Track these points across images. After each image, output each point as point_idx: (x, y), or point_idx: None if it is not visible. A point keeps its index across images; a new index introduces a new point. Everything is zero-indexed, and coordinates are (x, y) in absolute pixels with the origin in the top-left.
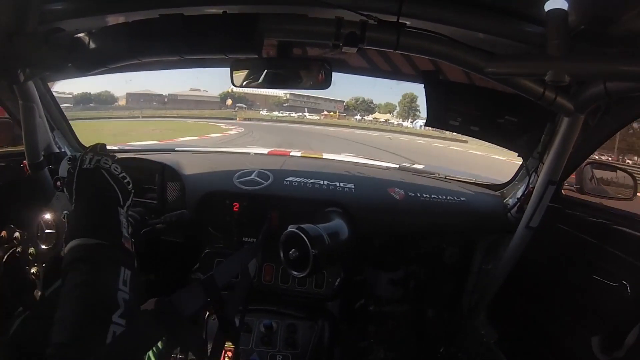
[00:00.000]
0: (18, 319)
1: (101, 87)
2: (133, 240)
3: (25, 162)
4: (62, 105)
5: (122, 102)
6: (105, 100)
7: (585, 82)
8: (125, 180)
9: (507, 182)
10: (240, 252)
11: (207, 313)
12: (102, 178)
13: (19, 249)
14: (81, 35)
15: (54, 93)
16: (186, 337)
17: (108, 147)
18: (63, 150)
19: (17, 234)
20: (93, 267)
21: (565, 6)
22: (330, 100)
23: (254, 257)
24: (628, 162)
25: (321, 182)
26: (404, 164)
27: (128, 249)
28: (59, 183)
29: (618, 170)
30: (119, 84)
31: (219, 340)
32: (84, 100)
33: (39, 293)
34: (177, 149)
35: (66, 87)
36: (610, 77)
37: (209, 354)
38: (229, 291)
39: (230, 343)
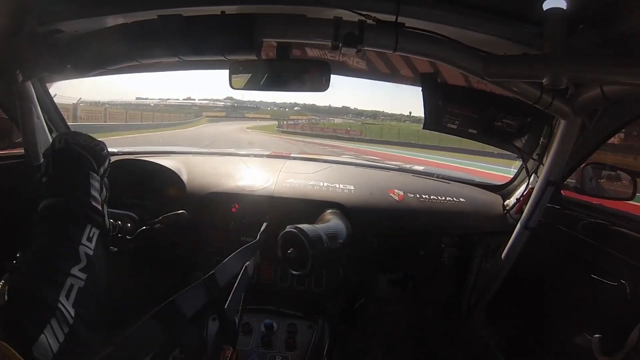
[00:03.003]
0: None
1: None
2: (106, 203)
3: None
4: None
5: None
6: None
7: (582, 85)
8: (98, 147)
9: (507, 183)
10: (239, 251)
11: (208, 313)
12: (72, 150)
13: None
14: (80, 36)
15: None
16: (187, 338)
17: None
18: None
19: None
20: (58, 222)
21: (563, 5)
22: None
23: (252, 256)
24: None
25: (321, 183)
26: (403, 165)
27: (96, 208)
28: (44, 179)
29: (618, 171)
30: None
31: (219, 341)
32: None
33: None
34: (177, 150)
35: None
36: (608, 80)
37: (208, 354)
38: (229, 290)
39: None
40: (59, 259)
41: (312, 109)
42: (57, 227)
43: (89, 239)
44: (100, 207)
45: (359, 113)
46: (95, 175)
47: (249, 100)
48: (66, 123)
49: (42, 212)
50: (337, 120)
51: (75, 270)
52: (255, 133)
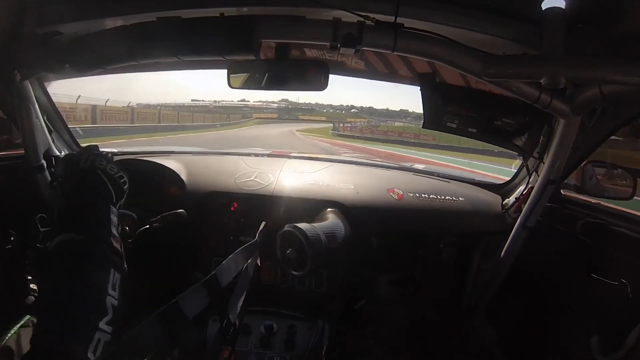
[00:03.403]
0: (13, 328)
1: None
2: (122, 240)
3: None
4: None
5: None
6: None
7: (581, 85)
8: (122, 180)
9: (507, 182)
10: (239, 251)
11: (209, 314)
12: (96, 177)
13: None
14: (79, 37)
15: None
16: (187, 339)
17: (109, 149)
18: (63, 153)
19: (12, 238)
20: (79, 263)
21: (562, 5)
22: None
23: (251, 256)
24: None
25: (320, 182)
26: (403, 164)
27: (117, 249)
28: (55, 184)
29: (619, 169)
30: None
31: (218, 341)
32: None
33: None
34: (176, 150)
35: None
36: (606, 80)
37: (207, 355)
38: (230, 291)
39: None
40: (85, 311)
41: (370, 111)
42: (79, 270)
43: (114, 287)
44: (119, 248)
45: (417, 116)
46: (114, 209)
47: (304, 103)
48: (65, 123)
49: (59, 248)
50: (397, 124)
51: (102, 324)
52: (307, 137)
